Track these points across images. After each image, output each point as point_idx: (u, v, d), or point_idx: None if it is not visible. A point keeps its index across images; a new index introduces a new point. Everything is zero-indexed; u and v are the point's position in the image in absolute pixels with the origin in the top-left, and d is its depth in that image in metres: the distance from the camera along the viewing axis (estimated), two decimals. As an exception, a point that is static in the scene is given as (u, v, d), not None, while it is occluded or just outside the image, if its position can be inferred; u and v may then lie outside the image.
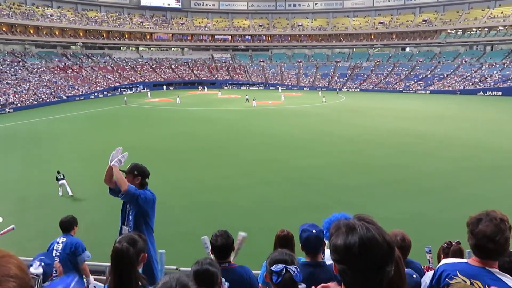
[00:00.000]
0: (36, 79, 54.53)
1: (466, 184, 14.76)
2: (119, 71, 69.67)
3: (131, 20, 78.72)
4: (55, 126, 30.64)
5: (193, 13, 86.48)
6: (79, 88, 57.26)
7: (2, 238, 4.67)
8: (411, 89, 64.21)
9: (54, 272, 4.69)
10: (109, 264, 2.25)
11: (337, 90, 66.24)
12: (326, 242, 2.79)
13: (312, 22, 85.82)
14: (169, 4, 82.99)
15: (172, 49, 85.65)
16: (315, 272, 2.65)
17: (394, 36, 77.50)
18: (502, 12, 66.89)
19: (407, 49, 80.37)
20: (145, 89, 64.85)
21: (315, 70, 78.30)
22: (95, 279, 4.99)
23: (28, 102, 45.99)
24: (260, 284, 3.12)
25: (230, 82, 75.84)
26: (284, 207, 12.59)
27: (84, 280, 4.68)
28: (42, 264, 3.36)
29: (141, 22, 79.46)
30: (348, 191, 14.15)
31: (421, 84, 65.11)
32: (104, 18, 75.11)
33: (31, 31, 63.84)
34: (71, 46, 71.84)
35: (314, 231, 2.76)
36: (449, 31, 71.69)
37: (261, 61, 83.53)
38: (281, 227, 3.55)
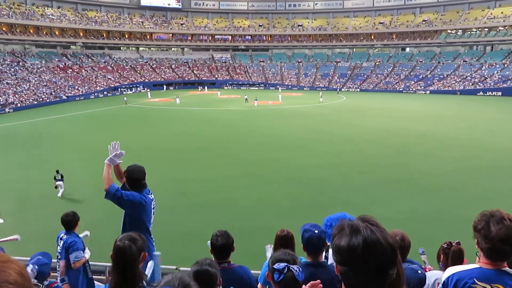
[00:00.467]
0: (36, 79, 54.54)
1: (466, 184, 14.76)
2: (119, 71, 69.68)
3: (131, 20, 78.74)
4: (55, 126, 30.63)
5: (193, 13, 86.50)
6: (79, 88, 57.26)
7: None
8: (411, 89, 64.21)
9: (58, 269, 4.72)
10: (108, 264, 2.25)
11: (338, 90, 66.24)
12: (328, 243, 2.79)
13: (312, 22, 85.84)
14: (169, 4, 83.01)
15: (172, 49, 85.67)
16: (317, 272, 2.66)
17: (394, 36, 77.51)
18: (502, 12, 66.90)
19: (407, 49, 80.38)
20: (145, 89, 64.85)
21: (315, 70, 78.31)
22: (94, 279, 4.99)
23: (28, 102, 45.99)
24: (259, 284, 3.11)
25: (230, 82, 75.84)
26: (284, 207, 12.59)
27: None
28: (36, 267, 3.35)
29: (141, 22, 79.47)
30: (348, 190, 14.15)
31: (421, 84, 65.11)
32: (104, 18, 75.12)
33: (31, 31, 63.85)
34: (71, 46, 71.87)
35: (316, 231, 2.76)
36: (449, 31, 71.70)
37: (261, 61, 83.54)
38: (281, 227, 3.55)
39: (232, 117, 33.81)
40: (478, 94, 56.08)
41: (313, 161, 18.28)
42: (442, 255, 3.42)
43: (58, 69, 61.47)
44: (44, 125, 31.72)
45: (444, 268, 3.20)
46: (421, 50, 77.32)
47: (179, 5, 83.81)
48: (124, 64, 73.00)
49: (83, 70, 64.79)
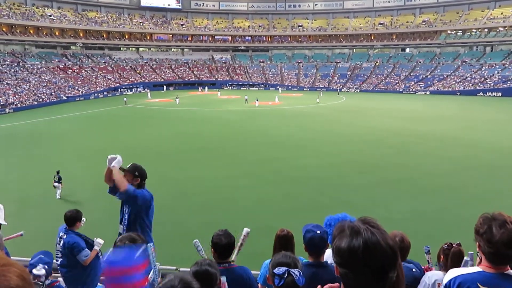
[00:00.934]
0: (36, 79, 54.54)
1: (466, 184, 14.76)
2: (119, 72, 69.69)
3: (131, 20, 78.76)
4: (55, 127, 30.63)
5: (193, 13, 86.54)
6: (79, 89, 57.26)
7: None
8: (411, 89, 64.23)
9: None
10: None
11: (338, 90, 66.28)
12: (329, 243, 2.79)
13: (312, 23, 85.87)
14: (169, 5, 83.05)
15: (172, 49, 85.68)
16: (318, 272, 2.66)
17: (394, 37, 77.53)
18: (502, 13, 66.94)
19: (407, 50, 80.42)
20: (145, 89, 64.83)
21: (315, 71, 78.32)
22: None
23: (28, 103, 45.98)
24: (259, 285, 3.11)
25: (230, 83, 75.86)
26: (284, 207, 12.58)
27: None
28: (45, 267, 3.37)
29: (141, 22, 79.50)
30: (348, 190, 14.15)
31: (421, 85, 65.13)
32: (104, 19, 75.15)
33: (31, 32, 63.87)
34: (71, 47, 71.90)
35: (318, 231, 2.77)
36: (449, 32, 71.73)
37: (261, 62, 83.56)
38: (281, 227, 3.55)
39: (232, 118, 33.82)
40: (478, 94, 56.10)
41: (313, 161, 18.28)
42: (442, 256, 3.42)
43: (58, 70, 61.48)
44: (44, 125, 31.72)
45: (444, 268, 3.19)
46: (421, 50, 77.35)
47: (179, 6, 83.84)
48: (124, 65, 73.01)
49: (83, 71, 64.79)
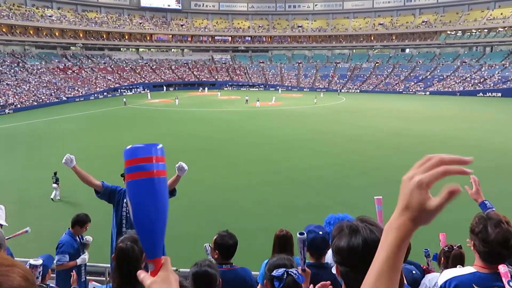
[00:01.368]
0: (36, 80, 54.54)
1: (467, 184, 14.72)
2: (119, 72, 69.68)
3: (131, 21, 78.78)
4: (55, 127, 30.62)
5: (193, 14, 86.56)
6: (79, 89, 57.26)
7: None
8: (411, 90, 64.25)
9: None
10: (107, 265, 2.25)
11: (338, 91, 66.31)
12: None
13: (312, 23, 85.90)
14: (169, 5, 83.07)
15: (172, 50, 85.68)
16: (319, 273, 2.66)
17: (394, 37, 77.56)
18: (501, 13, 66.97)
19: (407, 50, 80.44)
20: (145, 90, 64.85)
21: (315, 71, 78.35)
22: (94, 281, 4.97)
23: (28, 103, 45.97)
24: (259, 285, 3.11)
25: (230, 83, 75.87)
26: (284, 207, 12.58)
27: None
28: (43, 259, 3.36)
29: (141, 23, 79.52)
30: (348, 191, 14.14)
31: (420, 85, 65.14)
32: (104, 19, 75.16)
33: (31, 32, 63.87)
34: (71, 47, 71.91)
35: (320, 232, 2.78)
36: (448, 32, 71.76)
37: (261, 62, 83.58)
38: (281, 227, 3.54)
39: (232, 118, 33.81)
40: (477, 95, 56.11)
41: (313, 162, 18.27)
42: (443, 258, 3.42)
43: (58, 70, 61.47)
44: (44, 126, 31.71)
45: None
46: (420, 51, 77.38)
47: (179, 6, 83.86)
48: (124, 65, 73.02)
49: (83, 71, 64.79)
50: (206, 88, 68.80)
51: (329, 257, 2.92)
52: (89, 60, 70.25)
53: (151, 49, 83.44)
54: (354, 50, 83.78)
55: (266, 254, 3.30)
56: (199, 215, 12.08)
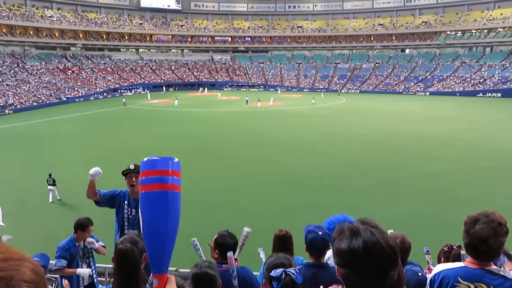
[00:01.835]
0: (36, 80, 54.54)
1: (467, 185, 14.75)
2: (119, 73, 69.70)
3: (131, 21, 78.80)
4: (54, 127, 30.62)
5: (193, 14, 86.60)
6: (78, 90, 57.26)
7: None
8: (410, 90, 64.27)
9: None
10: (107, 265, 2.24)
11: (339, 91, 66.33)
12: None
13: (311, 24, 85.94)
14: (169, 6, 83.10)
15: (172, 50, 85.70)
16: (319, 273, 2.66)
17: (393, 38, 77.60)
18: (501, 14, 67.02)
19: (407, 51, 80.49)
20: (145, 90, 64.87)
21: (314, 72, 78.38)
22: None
23: (27, 104, 45.97)
24: (260, 285, 3.10)
25: (230, 84, 75.90)
26: (284, 207, 12.57)
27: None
28: (37, 259, 3.37)
29: (141, 23, 79.54)
30: (348, 191, 14.13)
31: (420, 86, 65.16)
32: (104, 20, 75.18)
33: (31, 33, 63.89)
34: (71, 48, 71.91)
35: (320, 232, 2.78)
36: (448, 32, 71.79)
37: (261, 63, 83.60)
38: (281, 227, 3.54)
39: (232, 118, 33.81)
40: (477, 95, 56.15)
41: (313, 162, 18.26)
42: (442, 258, 3.42)
43: (58, 71, 61.49)
44: (44, 126, 31.70)
45: None
46: (420, 51, 77.42)
47: (179, 7, 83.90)
48: (124, 66, 73.03)
49: (82, 72, 64.80)
50: (206, 89, 68.82)
51: (329, 257, 2.92)
52: (89, 61, 70.26)
53: (151, 50, 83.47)
54: (354, 51, 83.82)
55: (265, 254, 3.30)
56: (199, 215, 12.06)
